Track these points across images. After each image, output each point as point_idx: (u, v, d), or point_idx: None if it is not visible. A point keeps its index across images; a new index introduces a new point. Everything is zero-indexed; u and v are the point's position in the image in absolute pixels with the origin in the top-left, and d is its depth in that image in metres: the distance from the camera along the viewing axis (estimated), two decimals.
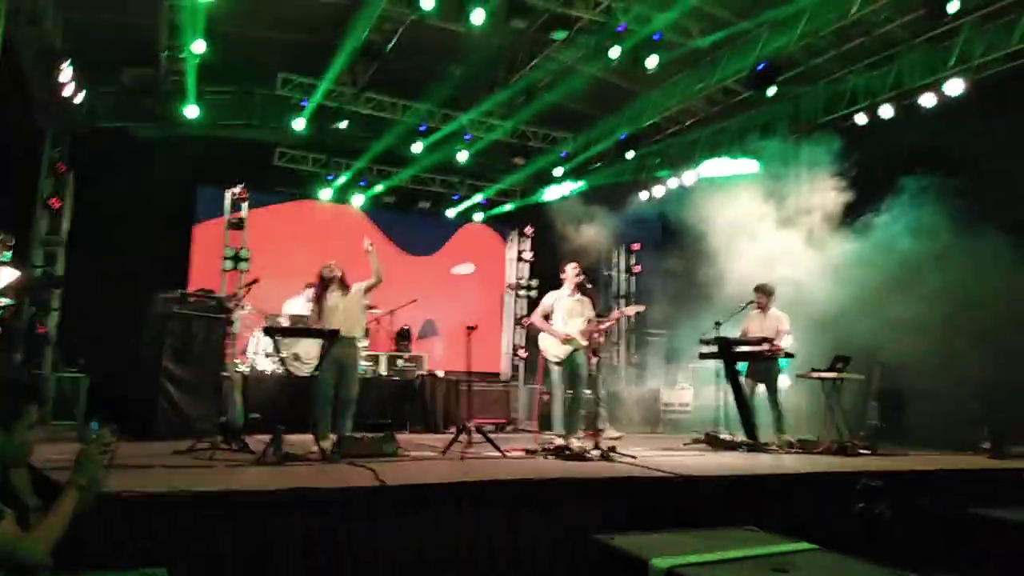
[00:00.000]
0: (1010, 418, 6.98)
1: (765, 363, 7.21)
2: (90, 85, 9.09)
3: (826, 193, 9.29)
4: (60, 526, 2.25)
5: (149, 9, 8.13)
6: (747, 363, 7.41)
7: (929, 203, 8.05)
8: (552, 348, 6.71)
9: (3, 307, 6.77)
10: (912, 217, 8.25)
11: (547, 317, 6.77)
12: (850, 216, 9.01)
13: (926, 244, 7.96)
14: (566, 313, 6.73)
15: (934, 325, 7.37)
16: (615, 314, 8.80)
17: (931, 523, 4.52)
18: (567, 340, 6.58)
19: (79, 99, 8.90)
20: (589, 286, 7.00)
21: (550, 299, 6.87)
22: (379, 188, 12.34)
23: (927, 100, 8.58)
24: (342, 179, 12.04)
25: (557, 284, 7.07)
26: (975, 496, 4.87)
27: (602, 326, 6.77)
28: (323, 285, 6.24)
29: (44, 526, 2.24)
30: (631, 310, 8.97)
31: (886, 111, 8.99)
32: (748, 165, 10.35)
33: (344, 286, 6.23)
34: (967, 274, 7.35)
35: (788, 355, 7.16)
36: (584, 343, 6.73)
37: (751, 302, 7.65)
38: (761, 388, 7.34)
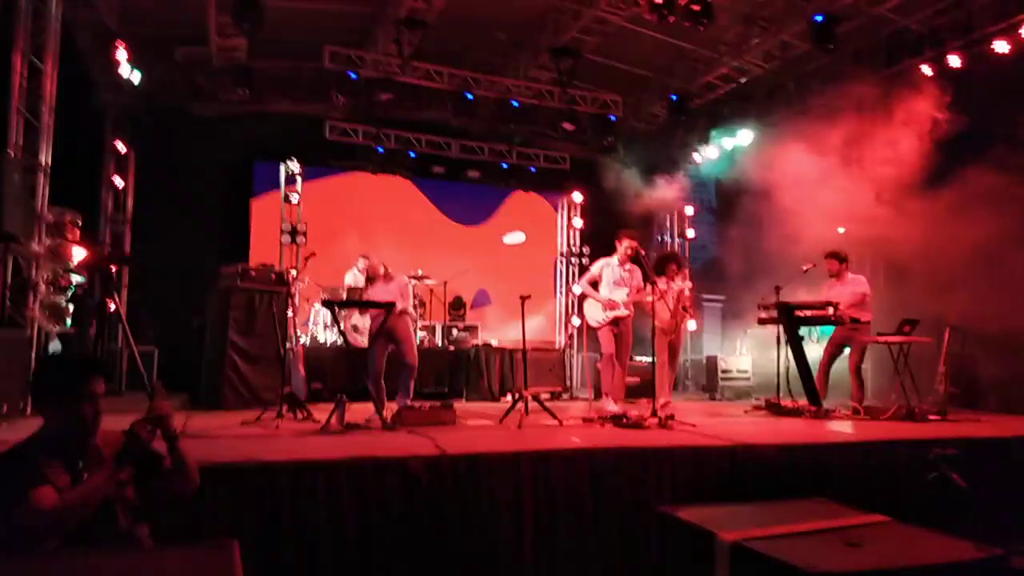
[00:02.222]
0: None
1: (848, 329, 7.02)
2: (146, 65, 9.27)
3: (899, 148, 8.81)
4: (81, 499, 2.26)
5: None
6: (831, 329, 7.24)
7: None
8: (594, 313, 6.72)
9: (76, 284, 7.05)
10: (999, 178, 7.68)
11: (594, 284, 6.78)
12: (926, 174, 8.50)
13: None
14: (613, 282, 6.72)
15: (1009, 285, 6.99)
16: (656, 292, 7.89)
17: (1010, 493, 4.35)
18: (611, 307, 6.58)
19: (136, 79, 9.10)
20: (642, 252, 6.85)
21: (598, 266, 6.88)
22: (428, 158, 12.33)
23: (1001, 47, 8.05)
24: (391, 150, 12.05)
25: (609, 250, 7.00)
26: None
27: (647, 298, 6.59)
28: (368, 279, 6.71)
29: (64, 497, 2.25)
30: (678, 286, 8.11)
31: (954, 60, 8.48)
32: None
33: (387, 278, 6.52)
34: None
35: (854, 320, 6.93)
36: (627, 312, 6.70)
37: (812, 265, 7.43)
38: (845, 353, 7.18)
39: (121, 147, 10.09)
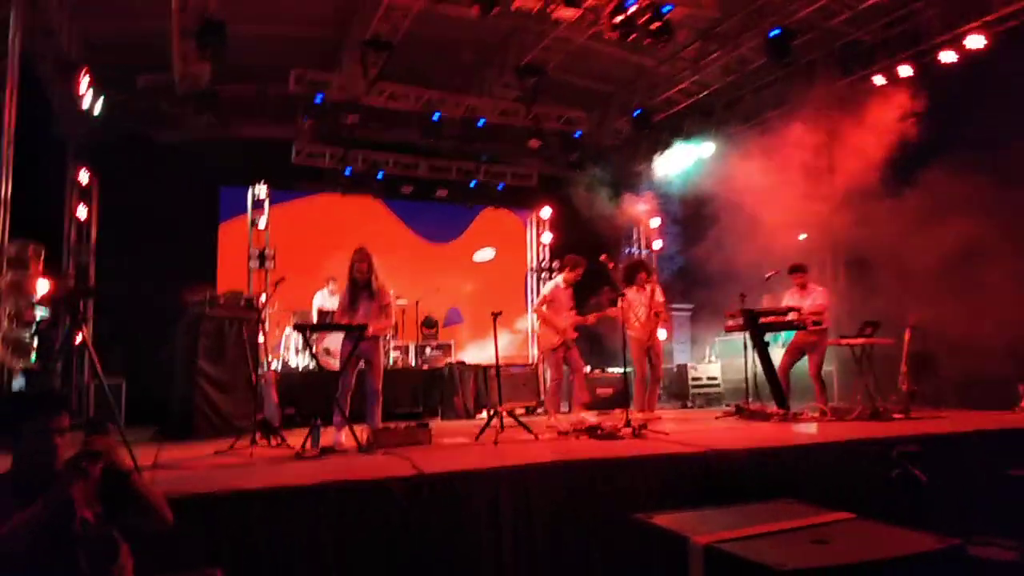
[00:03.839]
0: None
1: (808, 334, 7.20)
2: (108, 93, 9.19)
3: (855, 154, 9.08)
4: (9, 531, 2.21)
5: (161, 13, 8.18)
6: (791, 335, 7.45)
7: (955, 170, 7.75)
8: (548, 336, 6.87)
9: (40, 318, 6.94)
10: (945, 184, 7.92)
11: (549, 306, 6.96)
12: (882, 181, 8.76)
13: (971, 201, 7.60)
14: (560, 304, 6.92)
15: (967, 285, 7.24)
16: (625, 303, 7.12)
17: (970, 486, 4.50)
18: (562, 331, 6.82)
19: (98, 108, 9.01)
20: (611, 266, 6.99)
21: (549, 288, 7.05)
22: (396, 179, 12.36)
23: (947, 57, 8.37)
24: (359, 172, 12.06)
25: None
26: (1014, 456, 4.83)
27: (592, 320, 6.96)
28: (352, 285, 6.10)
29: None
30: (612, 312, 7.35)
31: (905, 70, 8.79)
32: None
33: (371, 291, 6.03)
34: (995, 231, 7.17)
35: (816, 324, 7.11)
36: (574, 334, 6.96)
37: (775, 272, 7.63)
38: (804, 360, 7.35)
39: (84, 177, 9.95)
